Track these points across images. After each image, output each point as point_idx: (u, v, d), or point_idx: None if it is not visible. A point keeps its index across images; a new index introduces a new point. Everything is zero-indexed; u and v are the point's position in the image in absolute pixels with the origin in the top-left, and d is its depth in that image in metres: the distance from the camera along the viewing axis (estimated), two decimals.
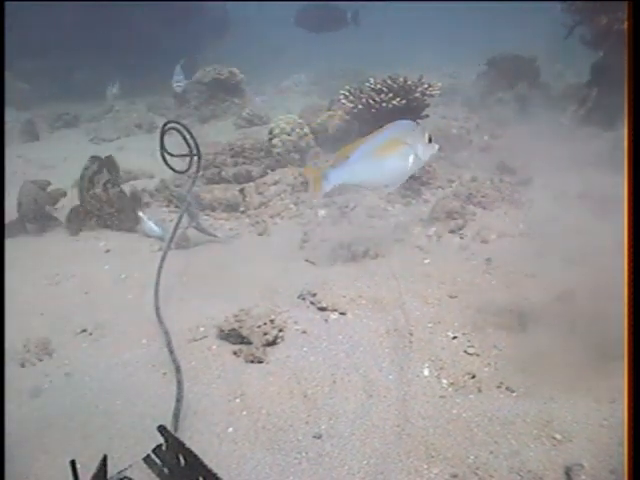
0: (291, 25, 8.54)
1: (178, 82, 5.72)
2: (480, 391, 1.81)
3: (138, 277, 2.67)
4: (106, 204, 3.27)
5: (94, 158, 3.43)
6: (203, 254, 2.92)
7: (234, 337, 2.07)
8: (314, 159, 3.90)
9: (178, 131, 2.99)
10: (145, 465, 1.26)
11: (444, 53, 5.41)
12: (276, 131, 4.05)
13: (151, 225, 3.11)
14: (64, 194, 3.52)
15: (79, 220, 3.30)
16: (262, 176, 3.86)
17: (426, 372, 1.90)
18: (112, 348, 2.11)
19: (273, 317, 2.11)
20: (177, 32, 8.66)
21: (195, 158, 3.17)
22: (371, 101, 3.82)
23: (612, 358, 1.96)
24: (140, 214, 3.18)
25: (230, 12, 11.09)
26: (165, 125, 3.09)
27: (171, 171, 3.28)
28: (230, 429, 1.68)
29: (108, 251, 3.01)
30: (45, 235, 3.26)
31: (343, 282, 2.48)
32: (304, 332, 2.13)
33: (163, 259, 2.53)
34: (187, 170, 3.18)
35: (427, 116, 4.11)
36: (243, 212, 3.46)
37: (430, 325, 2.17)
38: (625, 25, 4.23)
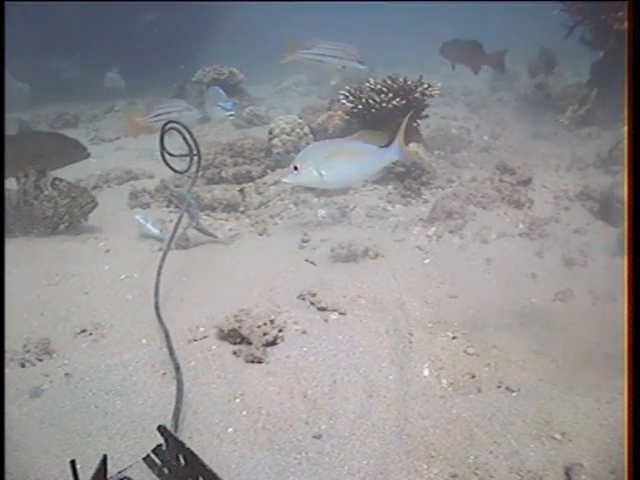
0: (291, 25, 8.61)
1: (228, 110, 4.06)
2: (480, 391, 1.81)
3: (138, 277, 2.67)
4: (59, 197, 3.25)
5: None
6: (203, 254, 2.92)
7: (234, 337, 2.07)
8: None
9: (178, 131, 2.99)
10: (145, 465, 1.26)
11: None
12: (276, 131, 4.05)
13: (149, 227, 3.10)
14: None
15: (41, 226, 3.26)
16: (262, 176, 3.86)
17: (426, 372, 1.90)
18: (112, 348, 2.11)
19: (273, 317, 2.11)
20: (178, 31, 8.67)
21: (195, 158, 3.17)
22: (371, 101, 3.82)
23: (613, 358, 1.96)
24: (137, 217, 3.16)
25: (230, 11, 11.09)
26: (165, 125, 3.09)
27: (171, 171, 3.28)
28: (230, 429, 1.68)
29: (108, 251, 3.01)
30: (45, 235, 3.26)
31: (343, 282, 2.48)
32: (304, 332, 2.13)
33: (163, 259, 2.53)
34: (187, 170, 3.18)
35: (427, 116, 4.11)
36: (243, 212, 3.46)
37: (430, 325, 2.18)
38: (625, 25, 4.23)
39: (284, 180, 2.97)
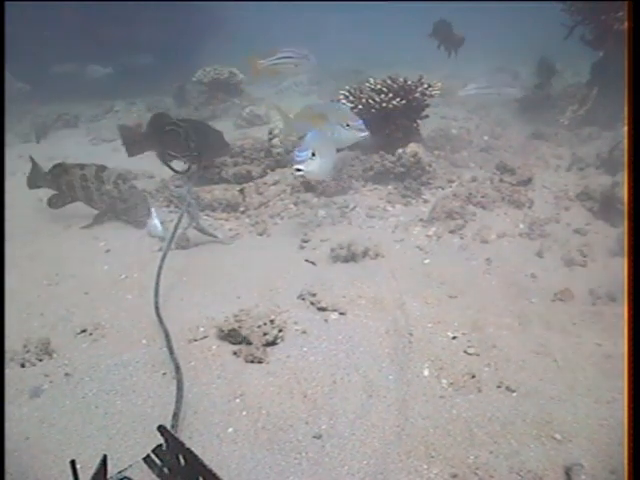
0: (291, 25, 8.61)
1: (361, 131, 2.98)
2: (480, 391, 1.81)
3: (138, 277, 2.67)
4: (118, 200, 3.28)
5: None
6: (203, 254, 2.92)
7: (234, 337, 2.07)
8: None
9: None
10: (145, 465, 1.26)
11: (443, 54, 5.44)
12: (276, 131, 4.05)
13: (156, 223, 3.12)
14: None
15: (97, 218, 3.36)
16: (262, 176, 3.86)
17: (426, 372, 1.90)
18: (112, 348, 2.11)
19: (273, 317, 2.11)
20: (177, 32, 8.66)
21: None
22: (371, 101, 3.82)
23: (612, 358, 1.96)
24: (153, 209, 3.21)
25: (230, 11, 11.09)
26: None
27: (171, 171, 3.28)
28: (230, 429, 1.68)
29: (108, 251, 3.01)
30: (45, 235, 3.27)
31: (343, 282, 2.48)
32: (304, 332, 2.13)
33: (163, 259, 2.53)
34: (187, 170, 3.18)
35: (427, 116, 4.11)
36: (243, 212, 3.46)
37: (430, 325, 2.17)
38: (625, 25, 4.23)
39: (302, 168, 2.63)
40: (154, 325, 2.20)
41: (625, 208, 2.94)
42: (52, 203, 3.42)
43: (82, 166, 3.36)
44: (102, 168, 3.34)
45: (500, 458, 1.55)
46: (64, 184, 3.37)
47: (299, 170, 2.64)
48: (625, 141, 3.56)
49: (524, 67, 7.10)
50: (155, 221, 3.13)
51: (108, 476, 1.22)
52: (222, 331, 2.09)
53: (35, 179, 3.51)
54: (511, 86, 4.09)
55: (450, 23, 5.11)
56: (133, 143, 3.47)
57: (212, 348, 2.07)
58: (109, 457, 1.23)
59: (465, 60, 6.06)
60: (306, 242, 2.98)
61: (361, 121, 3.01)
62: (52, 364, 2.04)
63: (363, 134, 2.99)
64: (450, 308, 2.30)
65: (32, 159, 3.50)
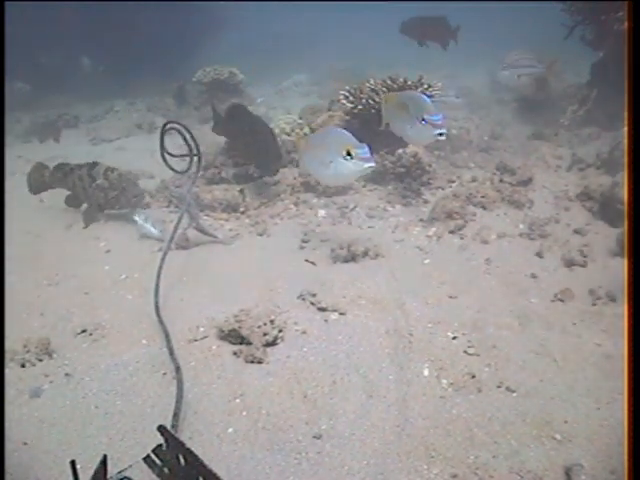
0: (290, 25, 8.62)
1: (439, 127, 2.55)
2: (480, 391, 1.81)
3: (138, 277, 2.67)
4: (109, 189, 3.30)
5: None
6: (203, 254, 2.92)
7: (234, 337, 2.07)
8: None
9: (178, 131, 3.00)
10: (145, 465, 1.26)
11: (444, 54, 5.44)
12: (276, 131, 4.05)
13: (149, 228, 3.09)
14: None
15: (93, 216, 3.39)
16: (262, 176, 3.86)
17: (426, 372, 1.91)
18: (112, 348, 2.11)
19: (273, 317, 2.11)
20: (177, 32, 8.67)
21: (195, 158, 3.17)
22: (371, 101, 3.82)
23: (613, 358, 1.96)
24: (136, 217, 3.14)
25: (229, 11, 11.09)
26: (165, 125, 3.09)
27: (171, 171, 3.28)
28: (230, 429, 1.68)
29: (108, 251, 3.01)
30: (45, 235, 3.27)
31: (343, 282, 2.48)
32: (304, 332, 2.13)
33: (163, 259, 2.53)
34: (187, 170, 3.18)
35: None
36: (243, 212, 3.46)
37: (430, 325, 2.18)
38: (625, 25, 4.23)
39: (364, 165, 2.27)
40: (154, 325, 2.20)
41: (625, 208, 2.94)
42: (68, 202, 3.51)
43: (80, 168, 3.38)
44: (92, 166, 3.36)
45: (500, 458, 1.55)
46: (72, 185, 3.44)
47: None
48: (625, 141, 3.56)
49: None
50: (147, 227, 3.09)
51: (108, 476, 1.22)
52: (222, 331, 2.09)
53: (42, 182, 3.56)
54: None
55: (442, 18, 5.14)
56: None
57: (212, 348, 2.07)
58: (109, 457, 1.23)
59: (464, 60, 6.07)
60: (306, 242, 2.98)
61: (439, 115, 2.43)
62: (52, 364, 2.04)
63: (438, 131, 2.44)
64: (450, 308, 2.30)
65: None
